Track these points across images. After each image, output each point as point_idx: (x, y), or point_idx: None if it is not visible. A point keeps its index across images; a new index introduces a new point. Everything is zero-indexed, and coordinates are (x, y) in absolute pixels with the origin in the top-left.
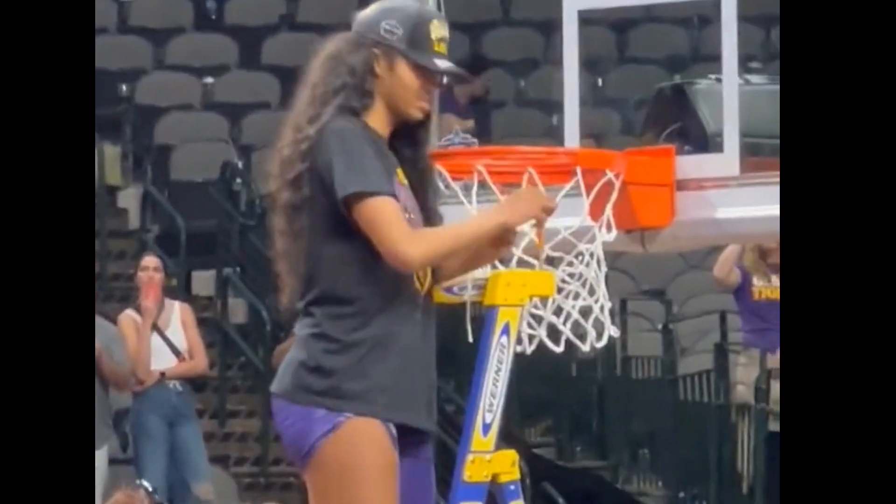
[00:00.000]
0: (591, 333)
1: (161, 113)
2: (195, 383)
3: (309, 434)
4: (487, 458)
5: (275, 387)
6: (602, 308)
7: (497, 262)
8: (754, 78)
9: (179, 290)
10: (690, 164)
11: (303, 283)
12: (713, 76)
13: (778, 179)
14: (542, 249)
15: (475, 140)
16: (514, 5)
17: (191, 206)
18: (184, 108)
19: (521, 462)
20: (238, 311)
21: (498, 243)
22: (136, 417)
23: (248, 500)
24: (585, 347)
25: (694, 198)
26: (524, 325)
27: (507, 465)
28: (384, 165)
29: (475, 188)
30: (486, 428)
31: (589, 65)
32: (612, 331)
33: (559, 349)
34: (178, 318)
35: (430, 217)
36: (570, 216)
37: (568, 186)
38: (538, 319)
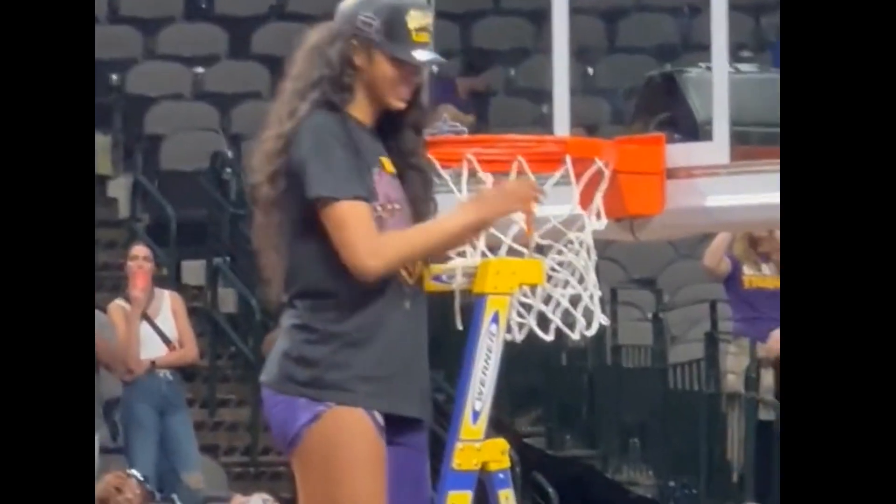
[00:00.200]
0: (581, 322)
1: (151, 102)
2: (185, 373)
3: (293, 423)
4: (477, 447)
5: (263, 377)
6: (592, 297)
7: (486, 251)
8: (744, 66)
9: (169, 279)
10: (680, 153)
11: (285, 276)
12: (703, 65)
13: (767, 168)
14: (531, 238)
15: (465, 129)
16: None
17: (181, 195)
18: (174, 97)
19: (510, 451)
20: (228, 300)
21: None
22: (126, 406)
23: (238, 490)
24: (575, 336)
25: (684, 186)
26: (513, 313)
27: (496, 454)
28: (358, 164)
29: (465, 176)
30: (476, 416)
31: (579, 54)
32: (601, 319)
33: (549, 338)
34: (168, 308)
35: (417, 207)
36: (560, 204)
37: (557, 175)
38: (528, 308)
